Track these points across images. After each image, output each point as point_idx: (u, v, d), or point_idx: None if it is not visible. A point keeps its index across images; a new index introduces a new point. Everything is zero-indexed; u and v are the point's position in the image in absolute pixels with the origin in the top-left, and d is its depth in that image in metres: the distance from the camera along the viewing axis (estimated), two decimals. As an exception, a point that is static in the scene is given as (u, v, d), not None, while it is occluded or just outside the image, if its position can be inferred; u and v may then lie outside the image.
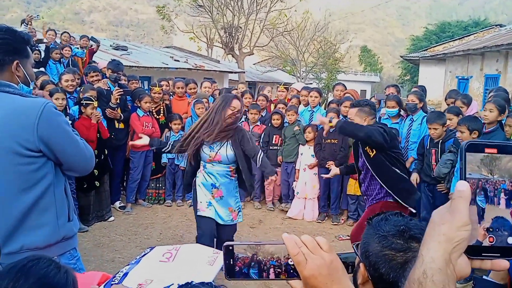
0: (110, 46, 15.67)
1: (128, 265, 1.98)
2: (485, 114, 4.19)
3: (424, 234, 0.72)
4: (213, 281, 1.91)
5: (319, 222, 5.79)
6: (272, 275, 0.85)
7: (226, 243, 0.87)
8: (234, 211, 3.73)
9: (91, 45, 8.70)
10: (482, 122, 4.05)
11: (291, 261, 0.83)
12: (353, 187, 5.48)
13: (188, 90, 6.58)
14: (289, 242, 0.82)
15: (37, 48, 6.97)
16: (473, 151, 0.71)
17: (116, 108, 5.48)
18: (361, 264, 1.34)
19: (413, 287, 0.68)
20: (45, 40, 7.58)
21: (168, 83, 6.87)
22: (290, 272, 0.85)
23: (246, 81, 20.95)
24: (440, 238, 0.68)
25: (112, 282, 1.79)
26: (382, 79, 40.84)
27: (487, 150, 0.71)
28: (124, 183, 6.14)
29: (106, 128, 5.31)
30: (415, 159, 4.97)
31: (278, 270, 0.85)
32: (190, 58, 18.60)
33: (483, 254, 0.70)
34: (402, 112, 5.47)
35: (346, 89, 6.78)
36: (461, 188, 0.69)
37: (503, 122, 4.35)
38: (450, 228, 0.68)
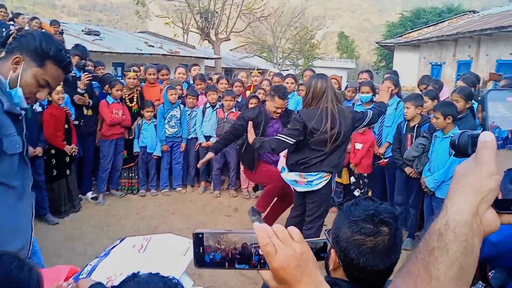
0: (82, 31, 15.24)
1: (96, 257, 1.92)
2: None
3: (449, 188, 0.68)
4: (185, 271, 1.88)
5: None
6: (235, 265, 0.83)
7: (196, 230, 0.84)
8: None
9: (61, 31, 8.45)
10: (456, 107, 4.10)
11: (261, 251, 0.81)
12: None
13: (161, 76, 6.42)
14: (260, 232, 0.79)
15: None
16: (495, 100, 0.69)
17: (84, 94, 5.32)
18: (332, 250, 1.33)
19: (432, 238, 0.65)
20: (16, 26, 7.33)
21: (139, 69, 6.68)
22: (261, 262, 0.83)
23: (222, 67, 20.80)
24: (466, 189, 0.64)
25: (80, 276, 1.74)
26: (358, 65, 41.17)
27: (509, 98, 0.69)
28: (96, 173, 6.00)
29: (72, 121, 5.14)
30: (390, 144, 5.02)
31: (241, 260, 0.83)
32: (165, 44, 18.30)
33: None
34: (375, 98, 5.52)
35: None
36: (486, 138, 0.65)
37: (475, 108, 4.44)
38: (476, 178, 0.64)
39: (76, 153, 5.05)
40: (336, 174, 3.94)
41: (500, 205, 0.65)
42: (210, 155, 4.37)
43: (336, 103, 3.54)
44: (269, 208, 4.62)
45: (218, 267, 0.84)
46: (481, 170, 0.64)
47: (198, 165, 4.73)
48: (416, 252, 0.68)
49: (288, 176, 3.83)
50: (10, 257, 1.14)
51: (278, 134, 3.72)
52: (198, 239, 0.84)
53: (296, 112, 3.78)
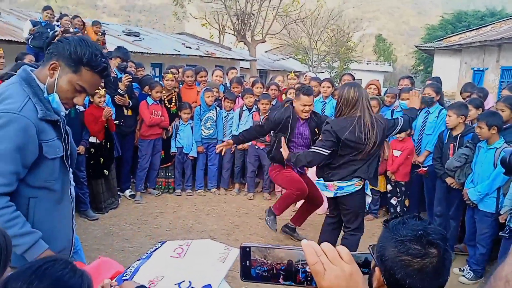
0: (123, 32, 15.64)
1: (139, 259, 1.96)
2: None
3: None
4: (224, 278, 1.89)
5: (329, 215, 5.75)
6: (281, 280, 0.83)
7: (243, 244, 0.85)
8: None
9: (103, 31, 8.71)
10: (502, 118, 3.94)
11: (308, 268, 0.80)
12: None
13: (199, 78, 6.52)
14: (308, 250, 0.79)
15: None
16: None
17: (124, 95, 5.47)
18: (377, 268, 1.30)
19: (498, 285, 0.62)
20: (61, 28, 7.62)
21: (178, 71, 6.79)
22: (307, 279, 0.83)
23: (257, 69, 20.86)
24: None
25: (123, 278, 1.78)
26: (395, 69, 40.36)
27: None
28: (134, 171, 6.15)
29: (113, 123, 5.29)
30: (430, 152, 4.89)
31: (288, 276, 0.83)
32: (202, 45, 18.53)
33: None
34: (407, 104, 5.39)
35: (353, 78, 6.66)
36: None
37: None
38: None
39: (110, 113, 5.12)
40: (370, 183, 3.84)
41: None
42: (229, 141, 4.58)
43: (369, 112, 3.47)
44: (285, 209, 4.61)
45: (264, 281, 0.85)
46: None
47: (217, 151, 4.69)
48: None
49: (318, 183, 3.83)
50: (63, 263, 1.18)
51: (312, 147, 3.69)
52: (245, 253, 0.85)
53: (326, 123, 3.70)
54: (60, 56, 1.78)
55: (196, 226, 5.08)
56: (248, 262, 0.85)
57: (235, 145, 6.11)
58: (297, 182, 4.34)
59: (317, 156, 3.54)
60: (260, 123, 4.47)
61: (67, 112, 1.98)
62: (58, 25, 7.93)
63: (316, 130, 4.44)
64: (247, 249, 0.85)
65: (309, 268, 0.81)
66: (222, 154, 4.84)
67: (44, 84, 1.80)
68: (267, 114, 5.94)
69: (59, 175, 1.87)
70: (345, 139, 3.42)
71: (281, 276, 0.84)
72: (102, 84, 5.12)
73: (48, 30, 7.46)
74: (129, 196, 5.82)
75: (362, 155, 3.47)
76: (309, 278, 0.83)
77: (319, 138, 3.69)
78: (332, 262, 0.78)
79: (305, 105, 4.20)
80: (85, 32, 8.30)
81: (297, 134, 4.33)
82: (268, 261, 0.85)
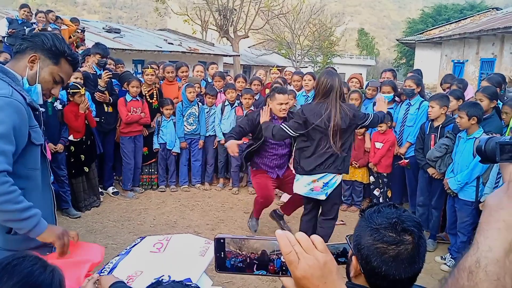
0: (103, 28, 15.44)
1: (118, 255, 1.94)
2: None
3: (480, 220, 0.65)
4: (204, 271, 1.88)
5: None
6: (255, 271, 0.83)
7: (217, 235, 0.85)
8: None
9: (83, 28, 8.58)
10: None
11: (283, 258, 0.80)
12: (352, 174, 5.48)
13: (180, 73, 6.45)
14: (282, 239, 0.78)
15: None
16: None
17: (104, 91, 5.38)
18: (354, 257, 1.31)
19: (462, 276, 0.62)
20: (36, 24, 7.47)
21: (158, 67, 6.72)
22: (282, 268, 0.83)
23: (241, 65, 20.81)
24: (499, 224, 0.62)
25: (101, 274, 1.76)
26: (378, 62, 40.67)
27: None
28: (116, 168, 6.08)
29: (93, 118, 5.22)
30: (412, 144, 4.95)
31: (263, 266, 0.83)
32: (184, 41, 18.38)
33: None
34: (396, 98, 5.45)
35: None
36: None
37: (500, 108, 4.34)
38: (509, 214, 0.61)
39: (88, 106, 5.07)
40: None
41: None
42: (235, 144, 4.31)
43: (339, 100, 3.63)
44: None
45: (239, 272, 0.84)
46: None
47: (234, 155, 4.30)
48: None
49: (302, 188, 3.88)
50: (33, 259, 1.15)
51: (282, 123, 3.88)
52: (219, 244, 0.84)
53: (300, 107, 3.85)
54: (38, 49, 1.87)
55: (181, 221, 5.06)
56: (222, 253, 0.84)
57: (219, 140, 6.12)
58: (263, 189, 4.44)
59: (282, 131, 3.77)
60: (240, 125, 4.42)
61: (43, 110, 1.99)
62: (35, 23, 7.78)
63: None
64: (222, 241, 0.85)
65: (283, 258, 0.80)
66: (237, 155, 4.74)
67: (21, 76, 1.86)
68: (250, 108, 5.93)
69: (40, 165, 1.92)
70: (312, 123, 3.61)
71: (256, 267, 0.84)
72: (80, 81, 5.04)
73: (25, 27, 7.32)
74: (112, 193, 5.76)
75: (332, 141, 3.62)
76: (283, 268, 0.82)
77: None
78: (306, 251, 0.78)
79: (281, 104, 4.17)
80: (61, 26, 8.15)
81: None
82: (243, 252, 0.84)
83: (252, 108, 5.96)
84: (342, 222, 5.03)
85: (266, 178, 4.46)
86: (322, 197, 3.82)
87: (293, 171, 4.09)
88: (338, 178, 3.80)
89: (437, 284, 0.67)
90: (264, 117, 4.12)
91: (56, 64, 1.90)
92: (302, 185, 3.85)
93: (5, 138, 1.67)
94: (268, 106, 4.21)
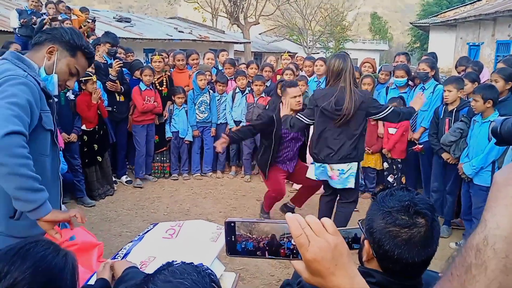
0: (113, 18, 15.46)
1: (130, 242, 1.96)
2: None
3: (488, 197, 0.63)
4: (217, 257, 1.89)
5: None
6: (266, 254, 0.83)
7: (228, 219, 0.85)
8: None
9: (93, 18, 8.60)
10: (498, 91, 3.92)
11: (293, 241, 0.80)
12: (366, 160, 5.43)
13: (190, 61, 6.44)
14: (293, 222, 0.78)
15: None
16: None
17: (116, 81, 5.40)
18: (366, 241, 1.30)
19: (469, 254, 0.61)
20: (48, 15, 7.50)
21: (168, 55, 6.72)
22: (293, 252, 0.82)
23: (251, 52, 20.70)
24: (507, 201, 0.60)
25: (115, 260, 1.78)
26: (391, 47, 40.09)
27: None
28: (129, 157, 6.13)
29: (105, 108, 5.25)
30: (426, 128, 4.87)
31: (273, 250, 0.83)
32: (195, 29, 18.34)
33: None
34: (410, 82, 5.36)
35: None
36: None
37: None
38: None
39: (101, 95, 5.09)
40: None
41: None
42: (225, 139, 4.25)
43: (352, 84, 3.55)
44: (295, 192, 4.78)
45: (250, 256, 0.84)
46: None
47: (216, 150, 4.38)
48: (452, 268, 0.63)
49: (319, 174, 3.87)
50: (46, 243, 1.17)
51: (298, 113, 3.89)
52: (230, 228, 0.84)
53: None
54: (57, 41, 1.94)
55: (194, 209, 5.09)
56: (233, 237, 0.85)
57: (230, 128, 6.11)
58: (275, 184, 4.47)
59: (298, 121, 3.80)
60: (250, 124, 4.42)
61: (56, 100, 2.03)
62: (45, 13, 7.82)
63: None
64: (232, 224, 0.85)
65: (294, 241, 0.80)
66: (221, 151, 4.71)
67: (38, 66, 1.91)
68: (261, 95, 5.91)
69: (50, 152, 1.94)
70: (321, 107, 3.60)
71: (267, 250, 0.84)
72: (92, 70, 5.07)
73: (34, 17, 7.35)
74: (126, 182, 5.82)
75: (338, 124, 3.60)
76: (294, 251, 0.82)
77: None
78: (317, 234, 0.77)
79: (295, 96, 4.13)
80: (71, 16, 8.17)
81: (285, 130, 4.25)
82: (254, 236, 0.84)
83: (263, 95, 5.93)
84: (355, 209, 5.00)
85: (277, 172, 4.45)
86: (339, 186, 3.79)
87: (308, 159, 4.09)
88: (353, 166, 3.73)
89: (446, 264, 0.66)
90: (284, 110, 4.10)
91: (73, 56, 1.97)
92: (319, 171, 3.83)
93: (22, 107, 1.66)
94: (285, 100, 4.16)
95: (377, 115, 3.70)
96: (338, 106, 3.54)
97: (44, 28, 6.52)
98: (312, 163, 3.97)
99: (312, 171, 3.94)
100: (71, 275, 1.16)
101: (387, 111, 3.66)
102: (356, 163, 3.76)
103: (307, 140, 4.38)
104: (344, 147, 3.64)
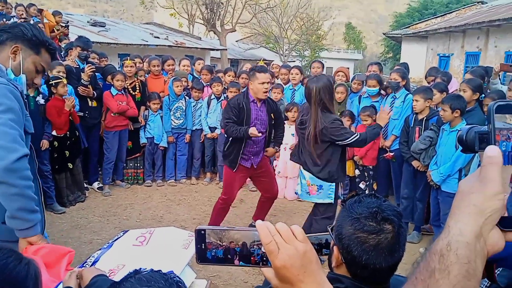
0: (87, 22, 15.24)
1: (99, 249, 1.93)
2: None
3: (452, 204, 0.65)
4: (188, 264, 1.87)
5: (300, 201, 5.79)
6: (236, 262, 0.83)
7: (198, 227, 0.85)
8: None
9: (67, 22, 8.45)
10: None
11: (263, 249, 0.80)
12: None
13: (166, 66, 6.41)
14: (263, 230, 0.78)
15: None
16: (502, 112, 0.65)
17: (88, 85, 5.31)
18: (335, 247, 1.32)
19: (433, 259, 0.62)
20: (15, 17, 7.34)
21: (142, 60, 6.66)
22: (263, 259, 0.82)
23: (228, 59, 20.73)
24: (470, 209, 0.62)
25: (83, 268, 1.74)
26: (365, 56, 40.86)
27: None
28: (102, 163, 6.02)
29: (77, 115, 5.16)
30: (397, 136, 4.98)
31: (243, 257, 0.83)
32: (171, 35, 18.25)
33: None
34: (382, 91, 5.49)
35: (323, 66, 6.76)
36: (491, 154, 0.62)
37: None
38: (481, 198, 0.61)
39: (74, 105, 5.01)
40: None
41: (505, 223, 0.62)
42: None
43: (317, 107, 3.55)
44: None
45: (220, 263, 0.84)
46: (486, 189, 0.61)
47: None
48: (417, 273, 0.65)
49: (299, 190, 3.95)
50: (7, 252, 1.13)
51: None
52: (200, 235, 0.84)
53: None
54: (19, 40, 1.89)
55: (167, 216, 5.04)
56: (203, 244, 0.84)
57: (205, 134, 6.09)
58: (229, 186, 4.30)
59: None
60: (225, 117, 4.14)
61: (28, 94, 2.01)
62: (15, 16, 7.64)
63: (272, 115, 4.20)
64: (202, 232, 0.84)
65: (264, 248, 0.80)
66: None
67: (5, 67, 1.87)
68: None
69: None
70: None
71: (237, 258, 0.84)
72: (63, 74, 4.98)
73: (4, 20, 7.18)
74: (97, 188, 5.70)
75: (304, 148, 3.72)
76: (264, 259, 0.82)
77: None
78: (286, 241, 0.78)
79: (263, 83, 3.90)
80: (43, 19, 8.01)
81: (254, 119, 4.06)
82: (224, 243, 0.84)
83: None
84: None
85: (236, 173, 4.21)
86: (319, 200, 3.82)
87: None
88: (324, 184, 3.75)
89: (411, 269, 0.68)
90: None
91: (37, 54, 1.93)
92: (299, 187, 3.91)
93: (19, 123, 1.71)
94: (252, 85, 3.99)
95: (342, 142, 3.62)
96: (302, 125, 3.66)
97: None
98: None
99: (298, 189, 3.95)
100: (33, 284, 1.13)
101: (352, 139, 3.58)
102: (328, 182, 3.74)
103: (268, 135, 4.26)
104: (313, 166, 3.70)
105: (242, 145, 4.08)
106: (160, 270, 0.98)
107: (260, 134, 3.94)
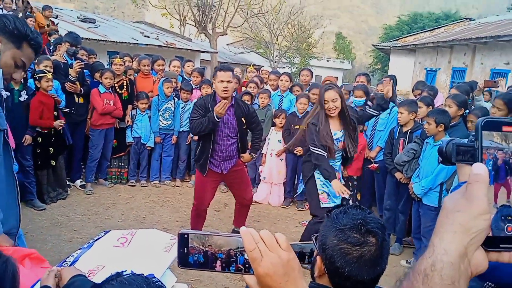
0: (77, 18, 15.07)
1: (79, 249, 1.90)
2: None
3: (436, 222, 0.63)
4: (169, 268, 1.86)
5: (284, 208, 5.82)
6: (219, 268, 0.82)
7: (181, 231, 0.84)
8: None
9: (56, 17, 8.34)
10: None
11: (247, 256, 0.80)
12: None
13: (156, 66, 6.38)
14: (246, 236, 0.78)
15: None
16: (490, 129, 0.64)
17: (75, 82, 5.26)
18: (318, 257, 1.32)
19: (417, 279, 0.61)
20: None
21: (131, 59, 6.62)
22: (246, 266, 0.82)
23: (218, 62, 20.70)
24: (455, 227, 0.60)
25: (62, 266, 1.71)
26: (354, 66, 41.27)
27: (505, 128, 0.63)
28: (85, 160, 5.94)
29: (62, 110, 5.13)
30: (382, 148, 5.03)
31: (226, 263, 0.82)
32: (161, 35, 18.16)
33: (501, 245, 0.62)
34: (368, 102, 5.53)
35: (312, 74, 6.81)
36: (478, 171, 0.61)
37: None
38: (466, 217, 0.60)
39: (62, 126, 4.99)
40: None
41: (488, 243, 0.62)
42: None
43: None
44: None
45: (202, 269, 0.84)
46: (471, 207, 0.60)
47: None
48: None
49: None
50: None
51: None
52: (183, 240, 0.83)
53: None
54: (0, 32, 1.78)
55: (150, 217, 4.99)
56: (186, 249, 0.84)
57: (192, 136, 6.06)
58: (199, 192, 4.25)
59: None
60: (193, 118, 3.99)
61: (8, 94, 1.94)
62: (1, 8, 7.52)
63: (243, 119, 4.06)
64: (185, 236, 0.84)
65: (247, 255, 0.80)
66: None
67: None
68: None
69: (3, 151, 1.86)
70: None
71: (219, 264, 0.83)
72: (50, 69, 4.91)
73: None
74: (80, 186, 5.63)
75: None
76: (247, 265, 0.82)
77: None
78: (270, 248, 0.78)
79: (222, 81, 3.80)
80: (34, 14, 7.90)
81: (221, 123, 3.92)
82: (206, 249, 0.83)
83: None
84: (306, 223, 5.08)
85: (205, 178, 4.13)
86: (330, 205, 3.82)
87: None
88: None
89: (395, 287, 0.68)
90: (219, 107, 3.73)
91: (18, 48, 1.83)
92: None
93: None
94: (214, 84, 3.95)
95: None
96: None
97: None
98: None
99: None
100: (11, 282, 1.11)
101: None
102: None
103: (240, 140, 4.11)
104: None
105: (210, 148, 3.98)
106: (142, 274, 0.97)
107: (225, 105, 3.71)
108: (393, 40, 22.01)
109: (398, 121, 4.61)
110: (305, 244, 1.39)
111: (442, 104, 5.25)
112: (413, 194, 4.16)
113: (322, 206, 3.79)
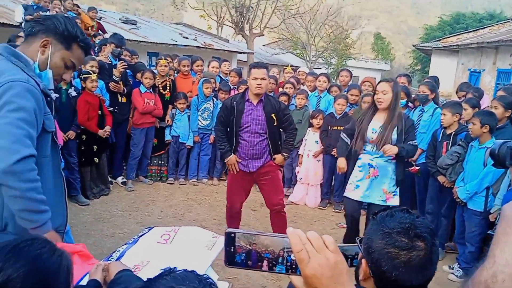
0: (119, 19, 15.52)
1: (125, 244, 1.95)
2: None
3: (496, 231, 0.61)
4: (210, 265, 1.88)
5: (321, 209, 5.77)
6: (265, 267, 0.82)
7: (228, 230, 0.85)
8: (389, 193, 3.93)
9: (99, 18, 8.63)
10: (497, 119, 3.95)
11: (293, 256, 0.80)
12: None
13: (195, 67, 6.48)
14: (294, 237, 0.78)
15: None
16: None
17: (119, 82, 5.42)
18: (363, 261, 1.30)
19: None
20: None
21: (172, 60, 6.76)
22: (292, 267, 0.82)
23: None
24: None
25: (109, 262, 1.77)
26: (392, 67, 40.39)
27: None
28: (126, 158, 6.11)
29: (109, 112, 5.32)
30: (423, 150, 4.89)
31: (273, 263, 0.83)
32: (199, 36, 18.42)
33: None
34: (410, 104, 5.41)
35: (351, 75, 6.72)
36: None
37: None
38: None
39: (108, 135, 5.17)
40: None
41: None
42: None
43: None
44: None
45: (248, 268, 0.84)
46: None
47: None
48: None
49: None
50: (41, 242, 1.14)
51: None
52: (230, 239, 0.84)
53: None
54: (50, 33, 1.82)
55: (188, 215, 5.07)
56: (232, 248, 0.84)
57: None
58: (229, 193, 4.23)
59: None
60: (217, 127, 4.14)
61: (57, 95, 1.99)
62: (48, 9, 7.85)
63: (273, 116, 3.95)
64: (232, 235, 0.85)
65: (294, 256, 0.80)
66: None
67: (33, 61, 1.81)
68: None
69: (51, 151, 1.90)
70: None
71: (265, 263, 0.83)
72: (95, 69, 5.09)
73: (40, 12, 7.38)
74: (121, 183, 5.80)
75: None
76: (293, 266, 0.82)
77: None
78: (317, 250, 0.77)
79: (256, 78, 3.77)
80: (80, 16, 8.20)
81: (250, 120, 3.89)
82: (253, 248, 0.84)
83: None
84: (344, 226, 5.01)
85: (235, 179, 4.11)
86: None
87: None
88: None
89: None
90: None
91: (68, 49, 1.86)
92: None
93: (30, 123, 1.67)
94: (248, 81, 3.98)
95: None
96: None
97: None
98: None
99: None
100: (65, 276, 1.14)
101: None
102: None
103: (271, 138, 4.00)
104: None
105: (233, 145, 3.98)
106: (194, 271, 0.99)
107: (234, 165, 3.99)
108: (435, 41, 21.37)
109: (441, 123, 4.47)
110: (348, 246, 1.37)
111: (488, 106, 5.06)
112: (458, 198, 4.03)
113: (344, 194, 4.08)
